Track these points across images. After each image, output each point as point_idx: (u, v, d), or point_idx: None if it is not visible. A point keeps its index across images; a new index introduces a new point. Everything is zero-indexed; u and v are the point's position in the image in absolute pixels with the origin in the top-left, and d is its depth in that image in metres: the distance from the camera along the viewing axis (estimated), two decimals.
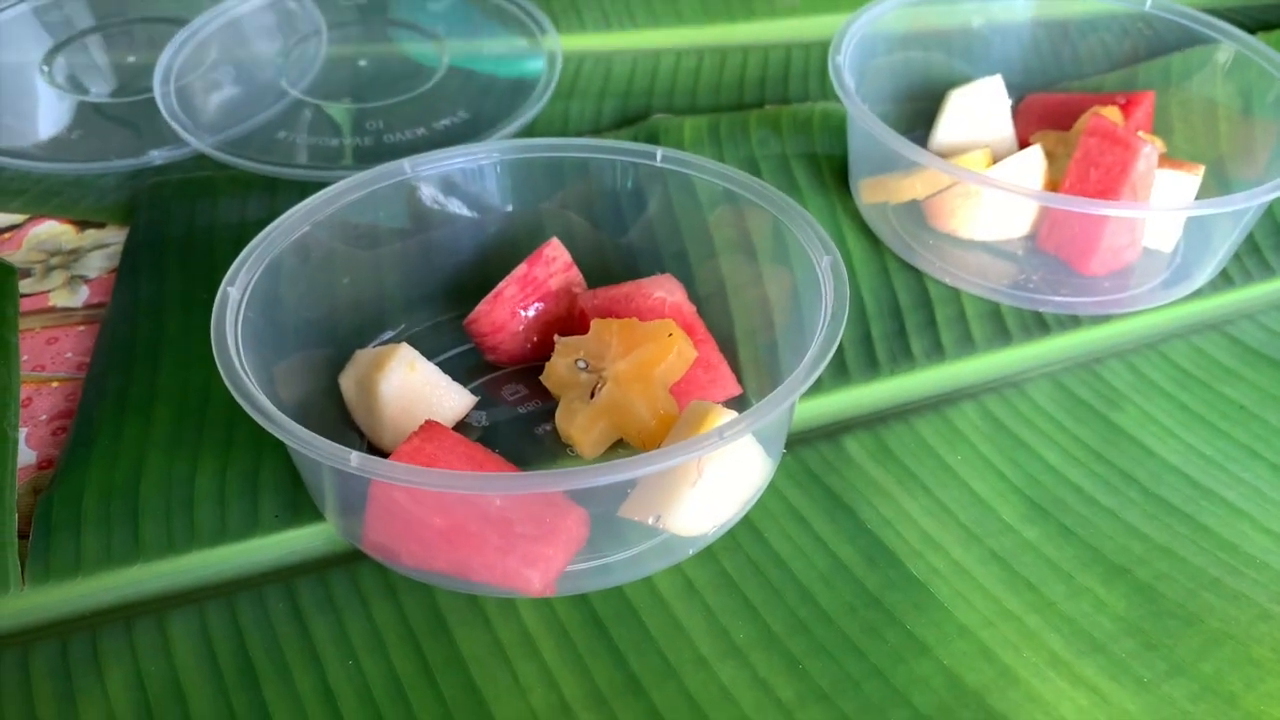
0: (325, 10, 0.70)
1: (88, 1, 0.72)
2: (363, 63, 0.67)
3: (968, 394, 0.49)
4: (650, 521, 0.39)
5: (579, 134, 0.63)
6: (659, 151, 0.49)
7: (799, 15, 0.71)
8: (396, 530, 0.39)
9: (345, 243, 0.48)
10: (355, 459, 0.34)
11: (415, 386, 0.44)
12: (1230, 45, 0.58)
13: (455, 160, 0.49)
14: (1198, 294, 0.54)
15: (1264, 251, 0.57)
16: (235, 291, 0.42)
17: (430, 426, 0.41)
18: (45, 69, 0.67)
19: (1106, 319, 0.52)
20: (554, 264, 0.49)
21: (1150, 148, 0.50)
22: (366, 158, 0.60)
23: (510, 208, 0.51)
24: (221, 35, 0.68)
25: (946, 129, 0.59)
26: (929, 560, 0.42)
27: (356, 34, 0.70)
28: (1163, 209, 0.53)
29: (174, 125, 0.60)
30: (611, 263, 0.51)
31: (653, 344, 0.43)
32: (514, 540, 0.38)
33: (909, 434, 0.47)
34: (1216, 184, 0.58)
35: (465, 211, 0.51)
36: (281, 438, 0.36)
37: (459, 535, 0.38)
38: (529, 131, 0.63)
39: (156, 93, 0.62)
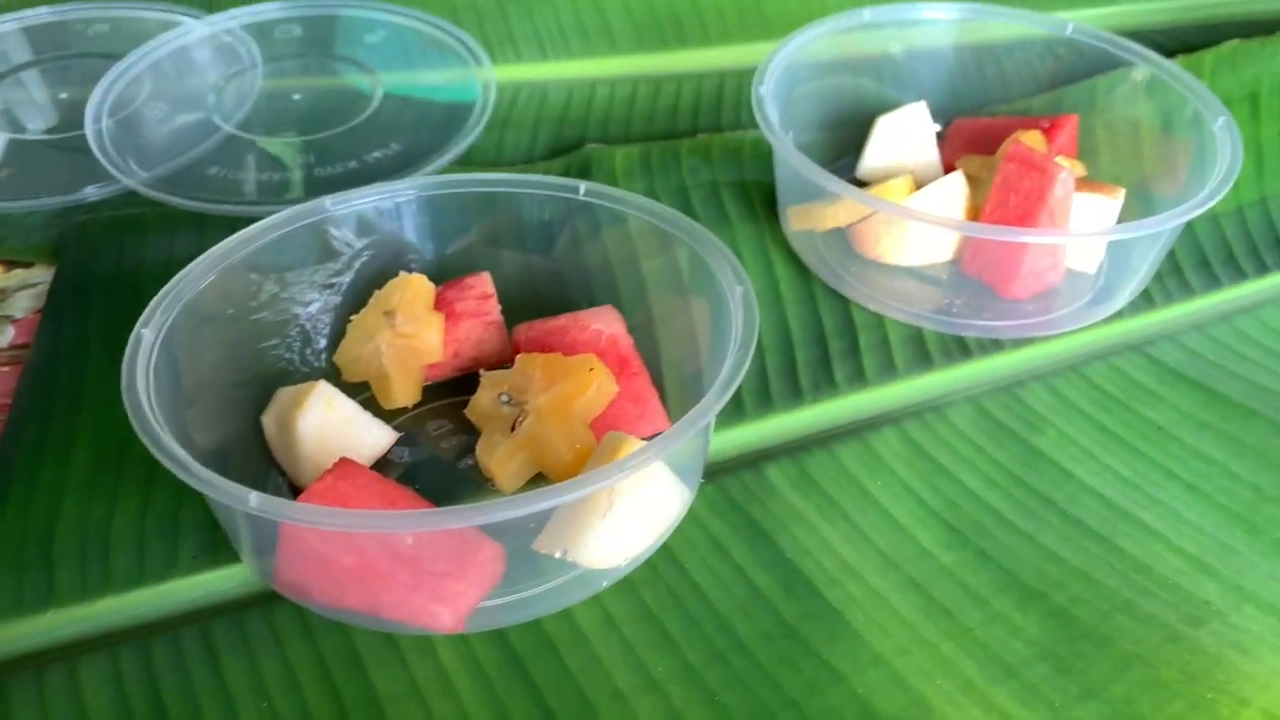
0: (262, 44, 0.70)
1: (23, 36, 0.72)
2: (297, 96, 0.68)
3: (889, 419, 0.49)
4: (558, 555, 0.39)
5: (513, 164, 0.63)
6: (582, 185, 0.49)
7: (732, 43, 0.72)
8: (308, 569, 0.39)
9: (266, 282, 0.48)
10: (255, 499, 0.34)
11: (334, 424, 0.44)
12: (1147, 68, 0.59)
13: (378, 197, 0.50)
14: (1119, 315, 0.55)
15: (1185, 271, 0.58)
16: (149, 334, 0.42)
17: (344, 464, 0.41)
18: None
19: (1029, 342, 0.53)
20: (469, 291, 0.49)
21: (1066, 173, 0.51)
22: (297, 192, 0.60)
23: (438, 243, 0.51)
24: (155, 70, 0.68)
25: (873, 155, 0.60)
26: (846, 588, 0.42)
27: (292, 67, 0.70)
28: (1074, 234, 0.53)
29: (104, 162, 0.60)
30: (547, 296, 0.51)
31: (573, 378, 0.44)
32: (423, 577, 0.38)
33: (830, 461, 0.47)
34: (1140, 204, 0.58)
35: (389, 248, 0.51)
36: (184, 478, 0.35)
37: (368, 573, 0.38)
38: (463, 162, 0.63)
39: (88, 129, 0.62)
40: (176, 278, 0.44)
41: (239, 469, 0.44)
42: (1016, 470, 0.47)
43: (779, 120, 0.55)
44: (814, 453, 0.47)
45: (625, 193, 0.49)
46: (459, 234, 0.51)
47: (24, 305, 0.54)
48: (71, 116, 0.66)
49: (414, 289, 0.48)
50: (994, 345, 0.53)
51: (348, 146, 0.64)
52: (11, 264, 0.57)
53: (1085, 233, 0.53)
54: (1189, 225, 0.60)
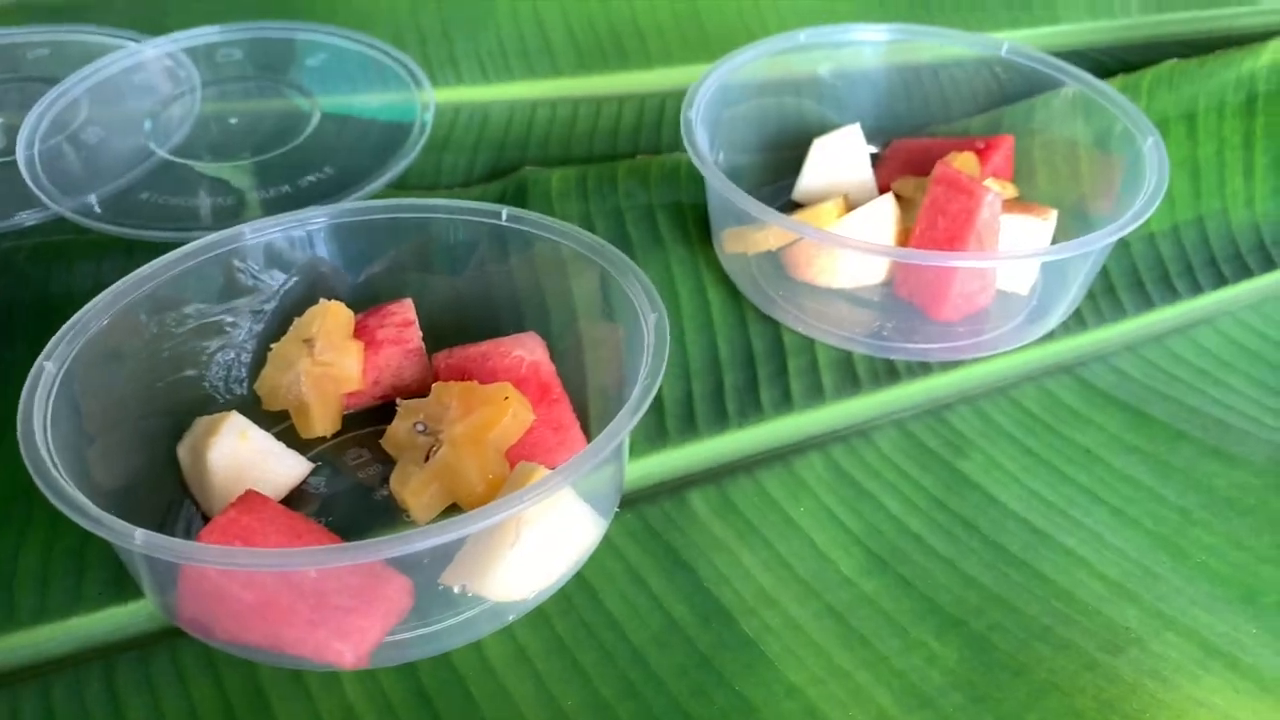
0: (203, 68, 0.70)
1: None
2: (234, 120, 0.67)
3: (814, 444, 0.49)
4: (457, 590, 0.39)
5: (450, 187, 0.63)
6: (504, 210, 0.49)
7: (674, 64, 0.72)
8: (208, 606, 0.38)
9: (181, 311, 0.47)
10: (140, 537, 0.34)
11: (246, 455, 0.44)
12: (1078, 87, 0.59)
13: (297, 224, 0.49)
14: (1050, 336, 0.54)
15: (1118, 291, 0.57)
16: (51, 366, 0.41)
17: (249, 497, 0.40)
18: None
19: (958, 364, 0.53)
20: (390, 318, 0.48)
21: (994, 195, 0.51)
22: (227, 217, 0.59)
23: (359, 270, 0.51)
24: (93, 94, 0.67)
25: (809, 178, 0.60)
26: (763, 617, 0.42)
27: (232, 91, 0.70)
28: (998, 257, 0.53)
29: (33, 188, 0.60)
30: (471, 323, 0.51)
31: (488, 407, 0.43)
32: (327, 613, 0.37)
33: (753, 487, 0.47)
34: (1078, 224, 0.58)
35: (310, 276, 0.50)
36: (69, 514, 0.35)
37: (270, 609, 0.37)
38: (399, 186, 0.63)
39: (19, 154, 0.62)
40: (85, 308, 0.44)
41: (152, 500, 0.44)
42: (940, 495, 0.47)
43: (713, 142, 0.55)
44: (737, 479, 0.47)
45: (546, 218, 0.48)
46: (381, 260, 0.51)
47: None
48: (8, 141, 0.66)
49: (332, 317, 0.48)
50: (923, 369, 0.53)
51: (283, 170, 0.63)
52: None
53: (1007, 255, 0.53)
54: (1123, 245, 0.60)
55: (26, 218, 0.60)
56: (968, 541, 0.45)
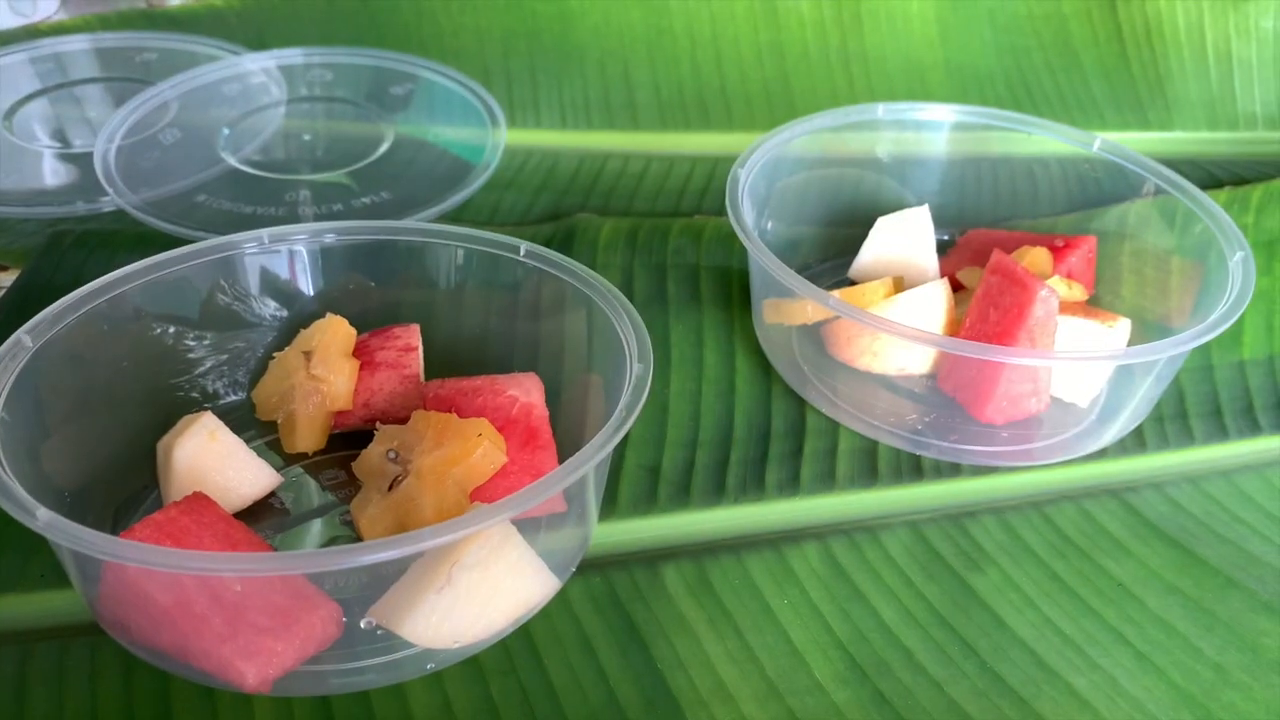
0: (292, 85, 0.71)
1: (78, 57, 0.75)
2: (308, 137, 0.68)
3: (813, 534, 0.45)
4: (364, 625, 0.36)
5: (503, 226, 0.62)
6: (523, 246, 0.47)
7: (756, 129, 0.70)
8: (127, 603, 0.36)
9: (195, 305, 0.47)
10: (43, 516, 0.32)
11: (212, 457, 0.43)
12: (1169, 192, 0.54)
13: (317, 237, 0.48)
14: (1102, 454, 0.49)
15: (1190, 416, 0.52)
16: (28, 339, 0.41)
17: (195, 499, 0.39)
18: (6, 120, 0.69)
19: (991, 470, 0.48)
20: (393, 341, 0.47)
21: (1048, 291, 0.46)
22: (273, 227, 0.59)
23: (373, 289, 0.50)
24: (183, 100, 0.69)
25: (868, 255, 0.56)
26: (713, 712, 0.38)
27: (315, 109, 0.71)
28: (1029, 355, 0.47)
29: (101, 178, 0.61)
30: (481, 358, 0.49)
31: (458, 441, 0.41)
32: (240, 629, 0.35)
33: (737, 569, 0.43)
34: (1160, 338, 0.53)
35: (326, 288, 0.49)
36: None
37: (184, 616, 0.35)
38: (452, 218, 0.62)
39: (97, 147, 0.63)
40: (84, 289, 0.44)
41: (122, 488, 0.43)
42: (943, 609, 0.42)
43: (765, 209, 0.52)
44: (720, 558, 0.43)
45: (567, 260, 0.46)
46: (397, 282, 0.49)
47: None
48: (93, 136, 0.68)
49: (333, 332, 0.46)
50: (951, 469, 0.48)
51: (341, 190, 0.63)
52: None
53: (1050, 355, 0.48)
54: (1207, 368, 0.54)
55: (82, 207, 0.61)
56: (962, 665, 0.40)
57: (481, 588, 0.37)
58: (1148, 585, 0.44)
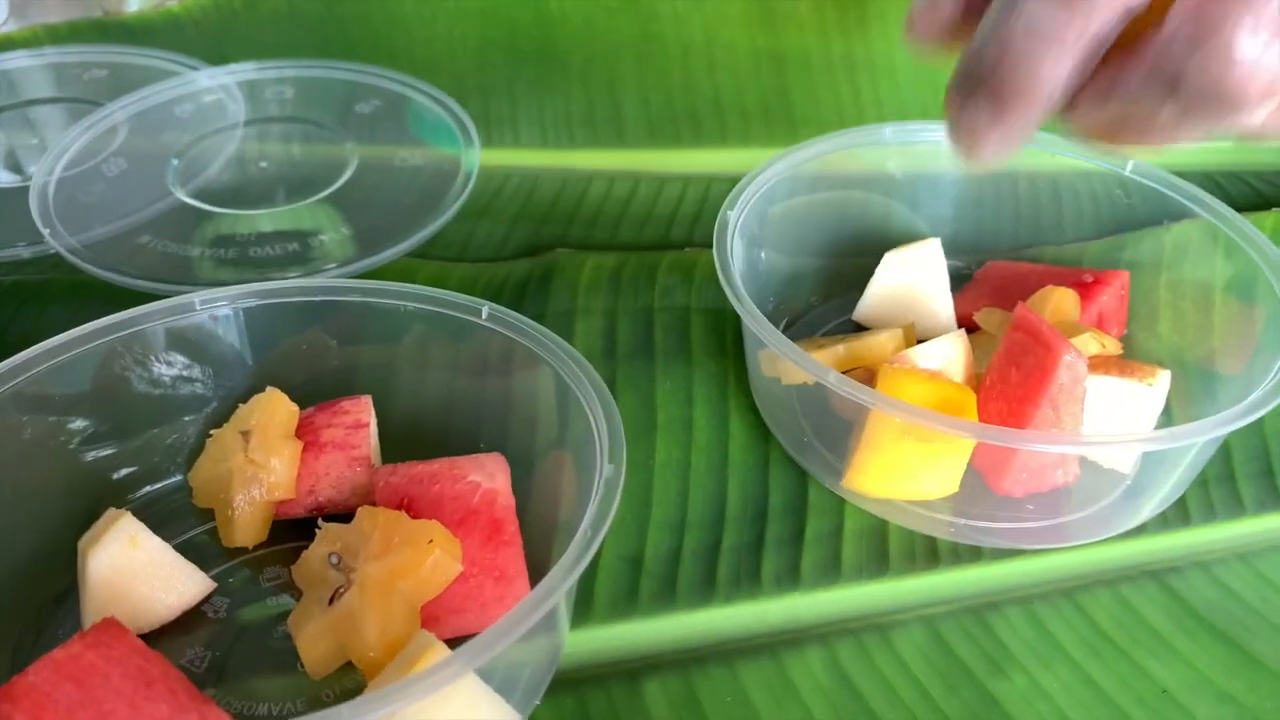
0: (251, 103, 0.66)
1: (20, 76, 0.69)
2: (264, 164, 0.62)
3: (816, 635, 0.40)
4: None
5: (477, 260, 0.57)
6: (485, 308, 0.42)
7: (753, 146, 0.64)
8: None
9: (109, 383, 0.42)
10: None
11: (133, 565, 0.38)
12: (1221, 227, 0.49)
13: (258, 299, 0.43)
14: (1141, 530, 0.44)
15: (1239, 480, 0.46)
16: None
17: (105, 628, 0.34)
18: None
19: (1015, 553, 0.43)
20: (341, 417, 0.42)
21: (1074, 355, 0.41)
22: (224, 272, 0.54)
23: (321, 357, 0.45)
24: (134, 122, 0.64)
25: (874, 299, 0.51)
26: None
27: (272, 131, 0.65)
28: (1033, 441, 0.40)
29: (36, 218, 0.56)
30: (441, 431, 0.44)
31: (407, 550, 0.36)
32: None
33: (729, 682, 0.38)
34: (1201, 385, 0.48)
35: (267, 356, 0.44)
36: None
37: None
38: (419, 255, 0.56)
39: (34, 180, 0.58)
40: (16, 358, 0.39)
41: (43, 591, 0.38)
42: None
43: (760, 239, 0.47)
44: (710, 669, 0.38)
45: (532, 325, 0.41)
46: (346, 347, 0.44)
47: None
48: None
49: (271, 410, 0.41)
50: (971, 553, 0.43)
51: (300, 225, 0.58)
52: None
53: (1064, 440, 0.41)
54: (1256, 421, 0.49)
55: (23, 250, 0.56)
56: None
57: None
58: (1195, 693, 0.38)
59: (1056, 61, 0.31)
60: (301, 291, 0.44)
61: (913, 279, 0.50)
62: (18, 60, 0.70)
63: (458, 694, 0.32)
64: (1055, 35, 0.30)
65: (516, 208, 0.61)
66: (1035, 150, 0.53)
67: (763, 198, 0.49)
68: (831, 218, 0.54)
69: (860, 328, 0.52)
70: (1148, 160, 0.51)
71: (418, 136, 0.64)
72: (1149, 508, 0.44)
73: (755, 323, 0.41)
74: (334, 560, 0.38)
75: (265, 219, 0.58)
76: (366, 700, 0.28)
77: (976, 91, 0.32)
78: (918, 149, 0.53)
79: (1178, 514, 0.45)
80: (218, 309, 0.43)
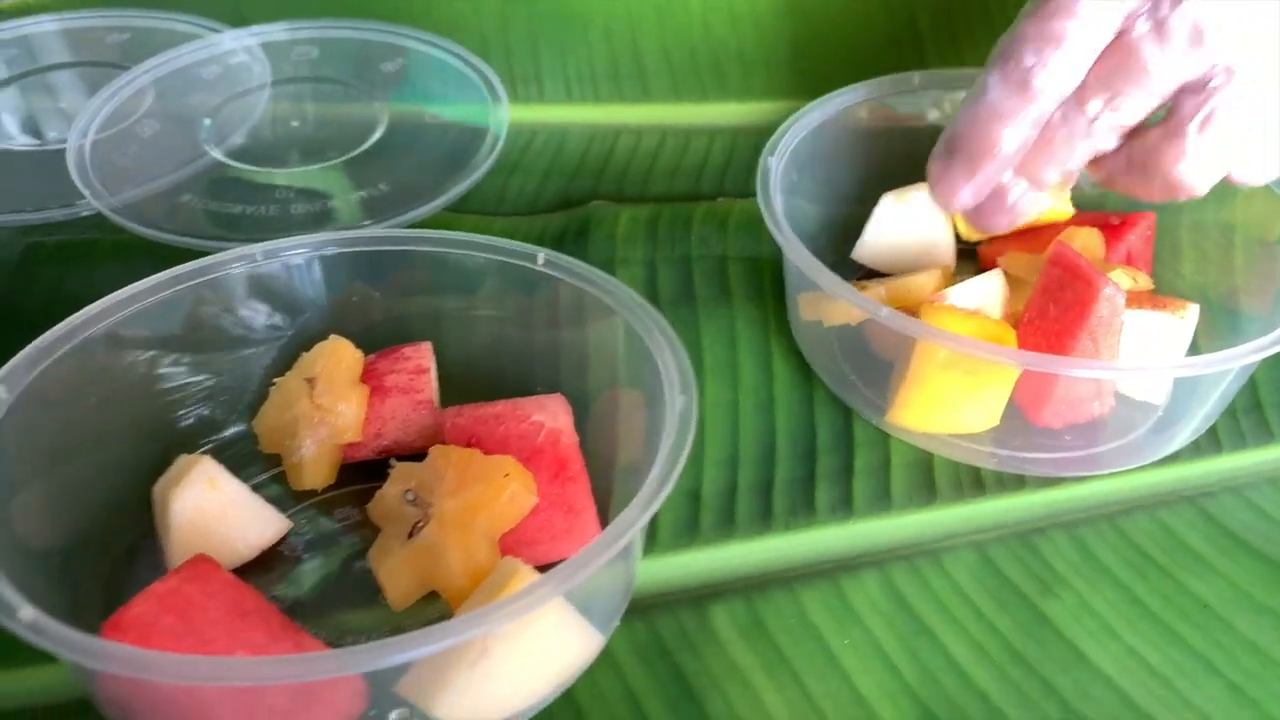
0: (276, 64, 0.66)
1: (39, 41, 0.70)
2: (295, 123, 0.63)
3: (872, 561, 0.41)
4: (394, 717, 0.33)
5: (513, 214, 0.58)
6: (541, 254, 0.43)
7: (777, 98, 0.65)
8: (128, 689, 0.33)
9: (183, 332, 0.43)
10: (27, 615, 0.29)
11: (214, 507, 0.39)
12: None
13: (315, 249, 0.44)
14: (1174, 457, 0.46)
15: (1265, 408, 0.48)
16: (3, 391, 0.37)
17: (198, 563, 0.35)
18: None
19: (1058, 481, 0.45)
20: (403, 363, 0.43)
21: (1113, 288, 0.42)
22: (266, 229, 0.55)
23: (378, 305, 0.46)
24: (159, 86, 0.64)
25: (873, 237, 0.51)
26: None
27: (302, 91, 0.66)
28: (1094, 367, 0.43)
29: (76, 180, 0.56)
30: (497, 375, 0.45)
31: (484, 484, 0.37)
32: (256, 713, 0.32)
33: (791, 606, 0.40)
34: (1226, 323, 0.50)
35: (325, 306, 0.45)
36: None
37: (194, 705, 0.32)
38: (456, 209, 0.57)
39: (70, 144, 0.59)
40: (64, 324, 0.40)
41: (121, 539, 0.39)
42: (1018, 643, 0.39)
43: (798, 189, 0.48)
44: (772, 594, 0.40)
45: (588, 269, 0.42)
46: (403, 296, 0.45)
47: None
48: (67, 128, 0.63)
49: (337, 357, 0.42)
50: (1015, 482, 0.45)
51: (338, 182, 0.59)
52: None
53: (1115, 366, 0.44)
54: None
55: (57, 212, 0.56)
56: (1044, 708, 0.37)
57: (520, 656, 0.33)
58: (1236, 606, 0.40)
59: (1012, 131, 0.41)
60: (358, 242, 0.44)
61: (911, 219, 0.51)
62: (38, 25, 0.70)
63: (548, 615, 0.34)
64: (1008, 112, 0.41)
65: (546, 162, 0.62)
66: None
67: (800, 147, 0.50)
68: (861, 168, 0.55)
69: (862, 268, 0.53)
70: None
71: (445, 94, 0.65)
72: (1182, 436, 0.46)
73: (806, 264, 0.43)
74: (410, 497, 0.39)
75: (301, 176, 0.59)
76: (466, 619, 0.30)
77: (953, 154, 0.43)
78: (945, 95, 0.55)
79: (1210, 442, 0.47)
80: (277, 261, 0.44)
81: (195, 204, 0.56)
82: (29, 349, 0.38)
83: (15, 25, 0.70)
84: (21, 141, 0.63)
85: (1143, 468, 0.45)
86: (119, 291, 0.41)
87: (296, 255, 0.44)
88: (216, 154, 0.60)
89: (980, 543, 0.42)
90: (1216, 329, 0.49)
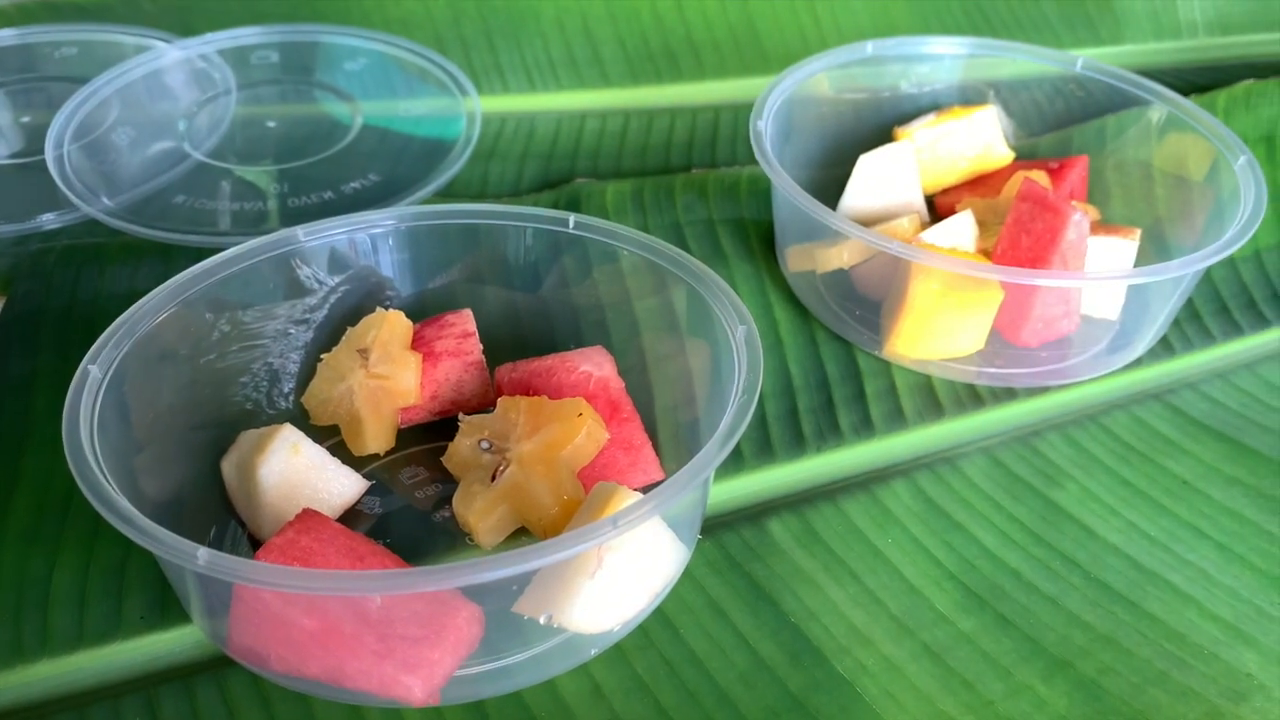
0: (238, 70, 0.67)
1: None
2: (272, 124, 0.64)
3: (899, 471, 0.46)
4: (543, 620, 0.35)
5: (498, 198, 0.60)
6: (571, 218, 0.46)
7: (728, 77, 0.69)
8: (264, 633, 0.35)
9: (230, 316, 0.44)
10: (204, 557, 0.31)
11: (298, 471, 0.41)
12: (1162, 107, 0.57)
13: (354, 228, 0.46)
14: (1138, 363, 0.52)
15: (1204, 318, 0.55)
16: (96, 370, 0.38)
17: (307, 516, 0.37)
18: None
19: (1043, 390, 0.50)
20: (449, 329, 0.46)
21: (1080, 215, 0.48)
22: (269, 222, 0.57)
23: (417, 278, 0.48)
24: (124, 95, 0.65)
25: (854, 195, 0.56)
26: (857, 656, 0.39)
27: (268, 94, 0.67)
28: (1091, 278, 0.50)
29: (64, 189, 0.57)
30: (532, 336, 0.48)
31: (559, 424, 0.40)
32: (394, 643, 0.34)
33: (836, 516, 0.44)
34: (1155, 249, 0.56)
35: (365, 283, 0.47)
36: (126, 532, 0.32)
37: (332, 638, 0.34)
38: (445, 195, 0.60)
39: (48, 154, 0.59)
40: (131, 310, 0.41)
41: (194, 519, 0.41)
42: (1036, 528, 0.44)
43: (777, 157, 0.52)
44: (818, 506, 0.44)
45: (618, 226, 0.46)
46: (440, 268, 0.48)
47: None
48: (33, 141, 0.63)
49: (390, 326, 0.45)
50: (1007, 394, 0.50)
51: (324, 176, 0.60)
52: None
53: (1103, 275, 0.50)
54: (1207, 270, 0.57)
55: (48, 220, 0.57)
56: (1068, 578, 0.42)
57: (630, 568, 0.36)
58: (1209, 479, 0.46)
59: None
60: (391, 219, 0.47)
61: (886, 177, 0.56)
62: None
63: (647, 530, 0.37)
64: None
65: (520, 148, 0.65)
66: (993, 57, 0.61)
67: (779, 114, 0.55)
68: (824, 134, 0.60)
69: None
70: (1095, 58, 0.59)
71: (410, 88, 0.67)
72: (1140, 345, 0.52)
73: (818, 211, 0.47)
74: (485, 445, 0.41)
75: (290, 172, 0.60)
76: (579, 533, 0.33)
77: None
78: (897, 66, 0.60)
79: (1164, 348, 0.53)
80: (316, 239, 0.46)
81: (190, 203, 0.58)
82: (110, 330, 0.39)
83: None
84: None
85: (1114, 373, 0.51)
86: (170, 282, 0.42)
87: (332, 235, 0.46)
88: (198, 156, 0.61)
89: (987, 447, 0.47)
90: (1148, 257, 0.56)
